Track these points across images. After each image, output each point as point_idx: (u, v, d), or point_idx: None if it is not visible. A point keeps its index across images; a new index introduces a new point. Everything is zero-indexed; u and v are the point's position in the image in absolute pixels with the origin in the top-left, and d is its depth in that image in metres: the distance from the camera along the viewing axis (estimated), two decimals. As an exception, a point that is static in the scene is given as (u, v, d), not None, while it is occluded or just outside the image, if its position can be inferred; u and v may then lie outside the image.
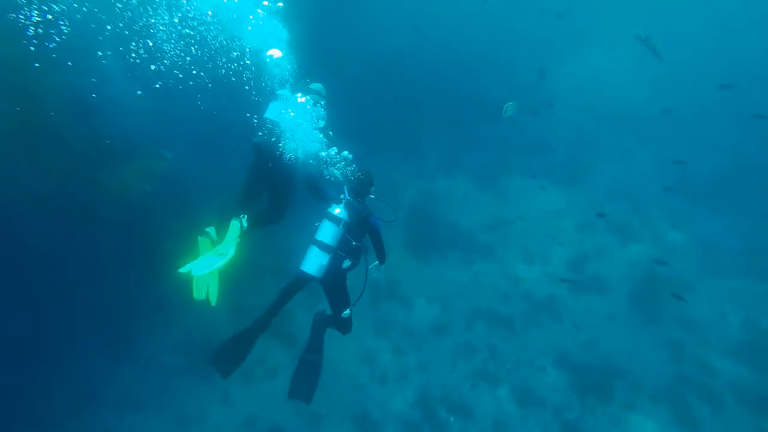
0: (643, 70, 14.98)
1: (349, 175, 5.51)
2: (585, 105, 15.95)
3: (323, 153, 5.52)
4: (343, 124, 6.42)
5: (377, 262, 5.53)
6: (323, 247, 5.03)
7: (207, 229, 5.17)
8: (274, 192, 5.71)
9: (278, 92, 5.55)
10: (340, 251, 5.05)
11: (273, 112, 5.51)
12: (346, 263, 5.12)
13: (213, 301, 4.96)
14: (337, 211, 5.16)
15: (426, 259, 11.80)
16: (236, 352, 5.06)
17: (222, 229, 5.23)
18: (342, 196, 5.29)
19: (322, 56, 12.43)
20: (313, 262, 5.00)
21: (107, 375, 10.26)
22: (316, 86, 5.91)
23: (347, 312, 5.37)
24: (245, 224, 5.22)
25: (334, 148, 5.61)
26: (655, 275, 10.94)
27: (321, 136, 5.63)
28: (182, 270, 4.78)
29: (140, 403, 10.03)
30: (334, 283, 5.20)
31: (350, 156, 5.60)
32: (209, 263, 4.91)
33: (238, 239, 5.14)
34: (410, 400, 9.66)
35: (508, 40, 16.29)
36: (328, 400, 9.83)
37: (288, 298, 5.24)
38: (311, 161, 5.56)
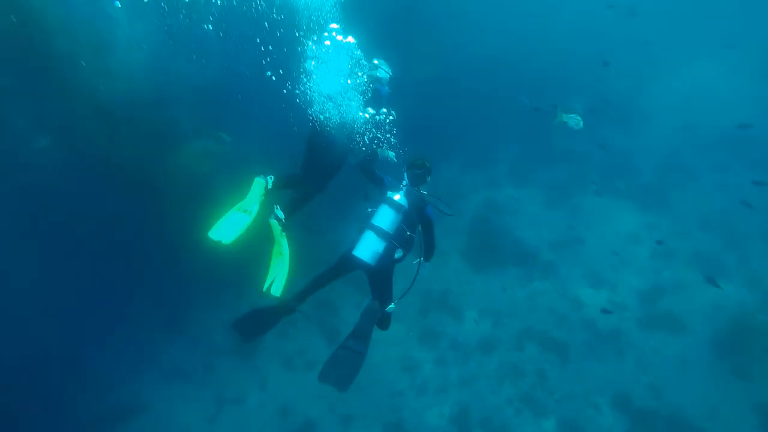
0: (749, 86, 13.33)
1: (407, 161, 5.21)
2: (682, 123, 14.50)
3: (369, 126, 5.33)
4: (414, 123, 6.15)
5: (422, 258, 5.15)
6: (380, 233, 4.69)
7: (268, 177, 4.93)
8: (320, 164, 5.40)
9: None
10: (394, 240, 4.73)
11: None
12: (398, 254, 4.77)
13: (278, 292, 4.79)
14: (397, 197, 4.84)
15: (482, 271, 11.22)
16: (258, 326, 4.73)
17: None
18: (403, 183, 5.00)
19: (400, 52, 12.34)
20: (368, 248, 4.65)
21: (160, 346, 10.79)
22: (380, 70, 5.66)
23: (392, 306, 5.03)
24: (270, 184, 4.94)
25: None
26: (752, 323, 9.53)
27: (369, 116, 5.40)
28: (211, 234, 4.59)
29: (187, 376, 10.45)
30: (383, 273, 4.82)
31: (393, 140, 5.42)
32: (236, 223, 4.72)
33: (262, 197, 4.89)
34: (447, 415, 9.19)
35: (598, 49, 15.21)
36: (362, 402, 9.62)
37: (326, 283, 4.89)
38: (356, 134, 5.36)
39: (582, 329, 10.08)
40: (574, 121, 7.66)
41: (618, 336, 9.93)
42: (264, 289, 4.76)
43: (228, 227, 4.67)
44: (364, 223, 4.84)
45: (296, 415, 9.68)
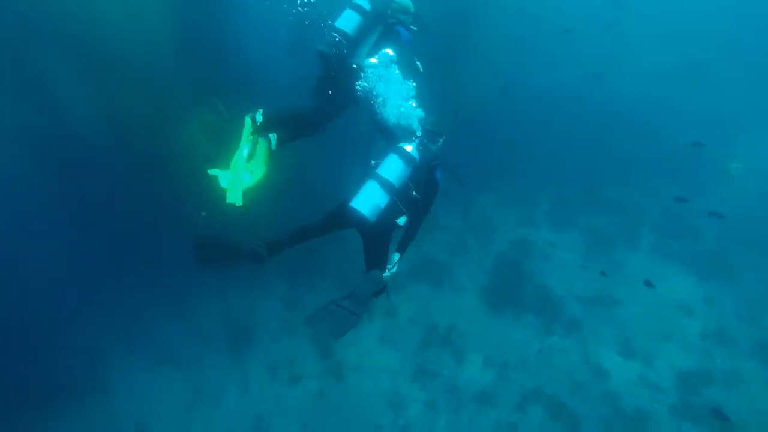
0: None
1: (423, 121, 4.73)
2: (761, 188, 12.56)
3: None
4: (456, 143, 5.58)
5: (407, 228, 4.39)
6: (386, 185, 4.07)
7: (257, 111, 4.50)
8: (326, 102, 4.96)
9: (356, 1, 4.90)
10: (398, 198, 4.15)
11: (344, 21, 4.86)
12: (402, 220, 4.20)
13: (238, 200, 4.36)
14: (409, 148, 4.25)
15: (498, 314, 10.12)
16: (218, 254, 4.18)
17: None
18: (417, 135, 4.48)
19: (452, 67, 11.84)
20: (369, 200, 4.02)
21: (157, 328, 10.70)
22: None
23: (387, 274, 4.33)
24: (274, 143, 4.53)
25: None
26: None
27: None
28: (211, 171, 4.31)
29: (174, 361, 10.23)
30: (381, 235, 4.24)
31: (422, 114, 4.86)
32: (238, 178, 4.33)
33: (269, 159, 4.47)
34: (423, 466, 8.16)
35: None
36: (338, 428, 8.84)
37: (310, 238, 4.31)
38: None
39: (601, 402, 8.66)
40: (735, 168, 6.89)
41: (644, 419, 8.43)
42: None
43: (229, 178, 4.31)
44: (367, 172, 4.20)
45: (270, 429, 9.09)
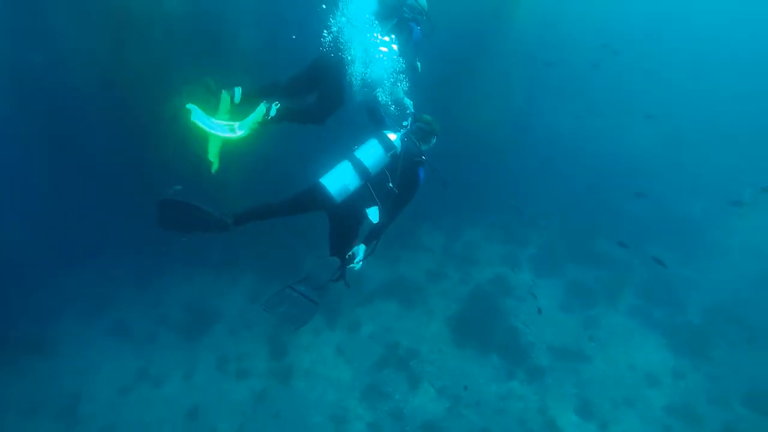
0: None
1: (416, 116, 4.56)
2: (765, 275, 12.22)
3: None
4: (453, 165, 5.43)
5: (376, 222, 4.10)
6: (359, 168, 3.97)
7: (235, 88, 4.44)
8: (326, 92, 4.81)
9: None
10: (371, 185, 3.99)
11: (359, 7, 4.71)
12: (372, 212, 4.01)
13: (213, 167, 4.32)
14: (392, 137, 4.16)
15: (463, 347, 9.79)
16: (183, 220, 3.84)
17: (250, 100, 4.49)
18: (405, 124, 4.35)
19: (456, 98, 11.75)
20: (338, 180, 3.94)
21: (120, 300, 10.48)
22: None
23: (358, 264, 4.14)
24: (273, 113, 4.36)
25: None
26: None
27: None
28: (189, 107, 4.18)
29: (128, 336, 9.97)
30: (346, 222, 4.06)
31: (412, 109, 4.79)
32: (215, 126, 4.23)
33: (257, 125, 4.33)
34: (350, 490, 7.75)
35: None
36: (274, 433, 8.47)
37: (278, 214, 4.10)
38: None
39: (548, 457, 8.27)
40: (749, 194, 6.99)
41: (589, 484, 8.02)
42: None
43: (207, 122, 4.21)
44: (345, 155, 4.09)
45: (204, 421, 8.72)
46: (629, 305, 10.96)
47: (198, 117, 4.21)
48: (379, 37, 4.67)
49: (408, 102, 4.98)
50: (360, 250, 4.22)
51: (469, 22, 11.07)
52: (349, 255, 4.13)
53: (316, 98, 4.83)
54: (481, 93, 11.60)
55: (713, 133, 16.17)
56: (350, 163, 4.00)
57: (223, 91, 4.41)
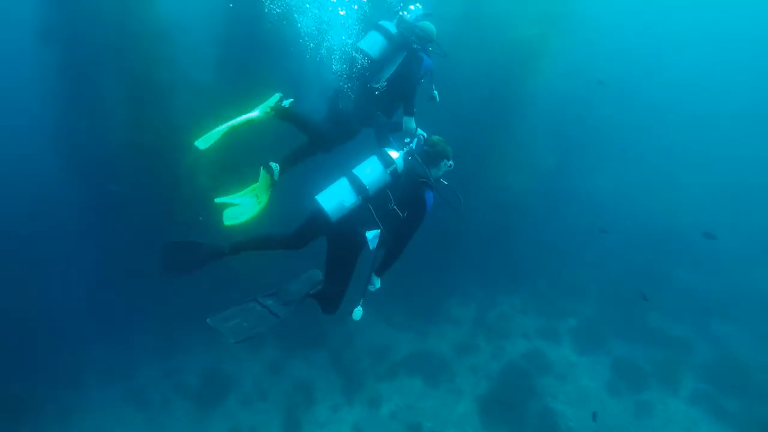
0: None
1: (424, 138, 4.35)
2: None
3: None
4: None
5: (374, 247, 3.78)
6: (356, 184, 3.74)
7: (271, 164, 4.27)
8: (338, 122, 4.73)
9: (381, 23, 4.76)
10: (371, 204, 3.73)
11: (369, 42, 4.68)
12: (371, 234, 3.68)
13: (229, 221, 4.20)
14: (395, 155, 3.90)
15: (492, 430, 8.75)
16: (187, 259, 3.88)
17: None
18: (407, 141, 4.04)
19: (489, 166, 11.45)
20: (334, 197, 3.72)
21: (128, 363, 10.48)
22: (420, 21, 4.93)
23: (359, 312, 3.82)
24: (276, 175, 4.24)
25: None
26: None
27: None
28: (219, 200, 4.19)
29: (137, 403, 9.80)
30: (343, 244, 3.78)
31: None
32: (244, 207, 4.20)
33: (270, 188, 4.27)
34: None
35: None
36: None
37: (275, 246, 4.02)
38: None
39: None
40: None
41: None
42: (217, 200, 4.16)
43: (236, 208, 4.21)
44: (343, 170, 3.91)
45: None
46: (690, 390, 9.51)
47: (232, 217, 4.15)
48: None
49: (420, 131, 4.78)
50: (376, 282, 4.00)
51: (491, 86, 11.03)
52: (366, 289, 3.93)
53: (325, 131, 4.70)
54: (509, 159, 11.27)
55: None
56: (347, 180, 3.79)
57: (261, 169, 4.28)
